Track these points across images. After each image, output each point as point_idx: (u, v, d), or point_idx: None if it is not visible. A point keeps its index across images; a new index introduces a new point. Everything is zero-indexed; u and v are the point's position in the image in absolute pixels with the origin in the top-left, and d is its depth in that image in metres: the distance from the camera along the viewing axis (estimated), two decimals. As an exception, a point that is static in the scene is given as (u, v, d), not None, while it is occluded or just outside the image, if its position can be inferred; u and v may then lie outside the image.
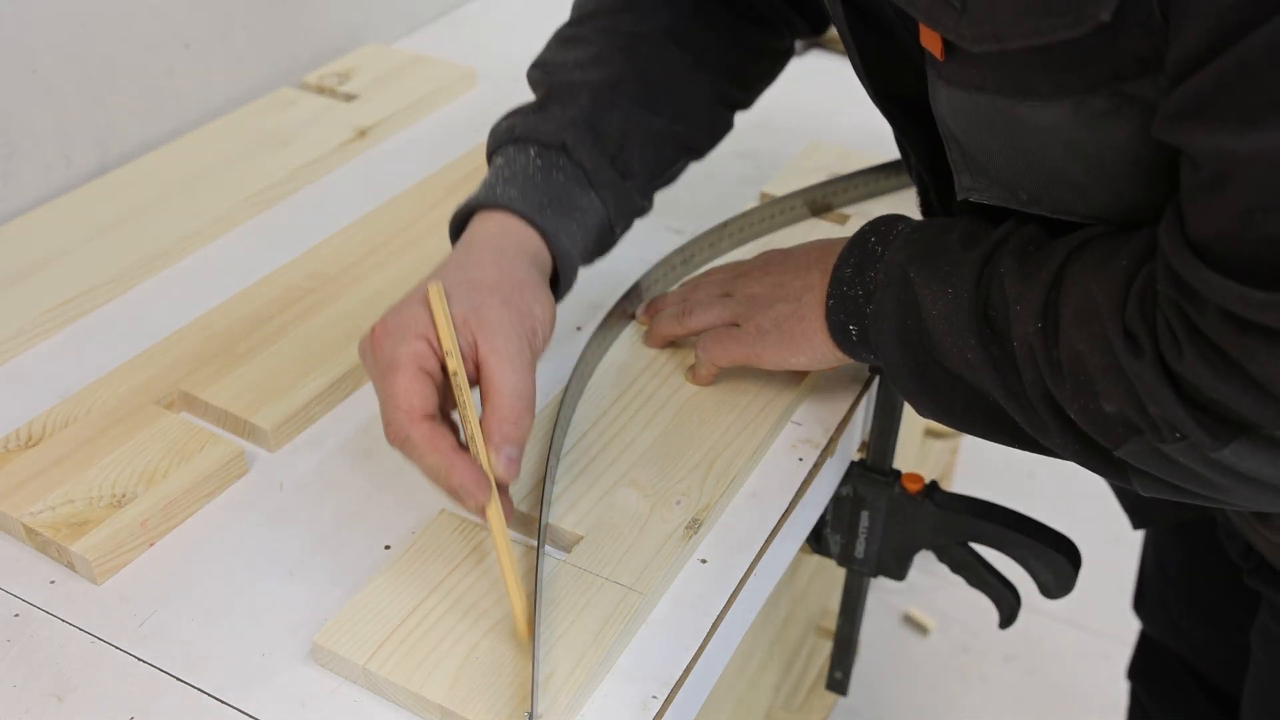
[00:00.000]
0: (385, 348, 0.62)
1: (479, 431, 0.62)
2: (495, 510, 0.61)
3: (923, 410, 0.68)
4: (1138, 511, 0.90)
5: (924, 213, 0.77)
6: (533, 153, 0.72)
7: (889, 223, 0.69)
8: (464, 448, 0.61)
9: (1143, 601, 1.11)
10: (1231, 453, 0.52)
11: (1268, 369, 0.49)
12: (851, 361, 0.72)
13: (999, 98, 0.56)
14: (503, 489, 0.63)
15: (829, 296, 0.69)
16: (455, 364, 0.62)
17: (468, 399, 0.62)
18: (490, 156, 0.75)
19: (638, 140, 0.75)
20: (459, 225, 0.71)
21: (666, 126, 0.78)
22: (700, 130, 0.81)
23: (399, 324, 0.62)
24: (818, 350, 0.71)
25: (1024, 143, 0.58)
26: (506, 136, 0.74)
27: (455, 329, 0.62)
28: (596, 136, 0.73)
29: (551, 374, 0.81)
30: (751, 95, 0.85)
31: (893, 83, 0.70)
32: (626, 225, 0.77)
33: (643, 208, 0.78)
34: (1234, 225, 0.48)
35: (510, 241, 0.68)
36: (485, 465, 0.61)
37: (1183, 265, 0.51)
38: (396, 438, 0.61)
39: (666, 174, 0.80)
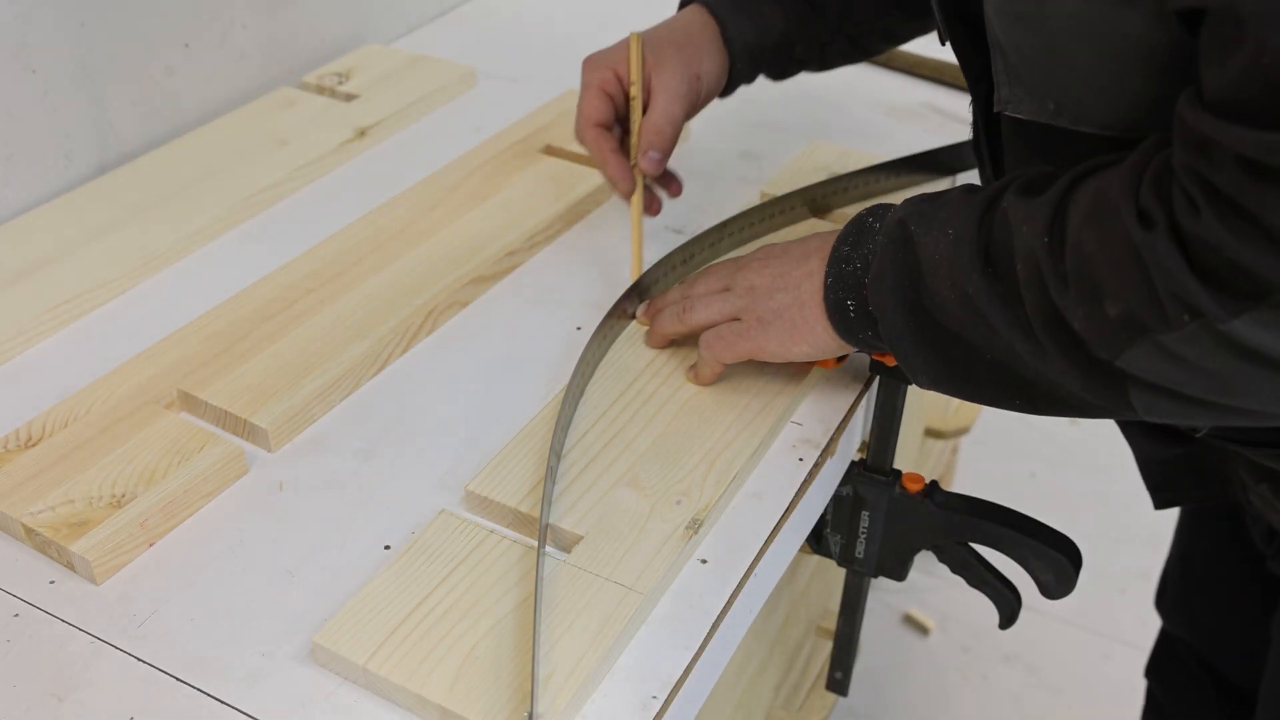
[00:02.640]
0: (586, 72, 0.87)
1: (637, 140, 0.85)
2: (636, 197, 0.87)
3: (921, 377, 0.68)
4: (1160, 491, 0.90)
5: (974, 140, 0.80)
6: None
7: (885, 206, 0.70)
8: (625, 152, 0.86)
9: (1164, 598, 1.11)
10: (1243, 324, 0.52)
11: None
12: (853, 350, 0.72)
13: None
14: (647, 188, 0.88)
15: (827, 275, 0.70)
16: (635, 91, 0.85)
17: (636, 117, 0.86)
18: None
19: None
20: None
21: None
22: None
23: (600, 57, 0.87)
24: (819, 338, 0.72)
25: (1051, 36, 0.61)
26: None
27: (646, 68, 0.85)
28: None
29: (552, 374, 0.81)
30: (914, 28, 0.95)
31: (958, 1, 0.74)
32: (809, 50, 0.91)
33: (821, 38, 0.90)
34: (1251, 72, 0.48)
35: (698, 19, 0.88)
36: (634, 162, 0.86)
37: (1200, 122, 0.51)
38: (578, 136, 0.87)
39: (861, 15, 0.90)
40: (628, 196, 0.87)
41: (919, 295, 0.65)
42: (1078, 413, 0.64)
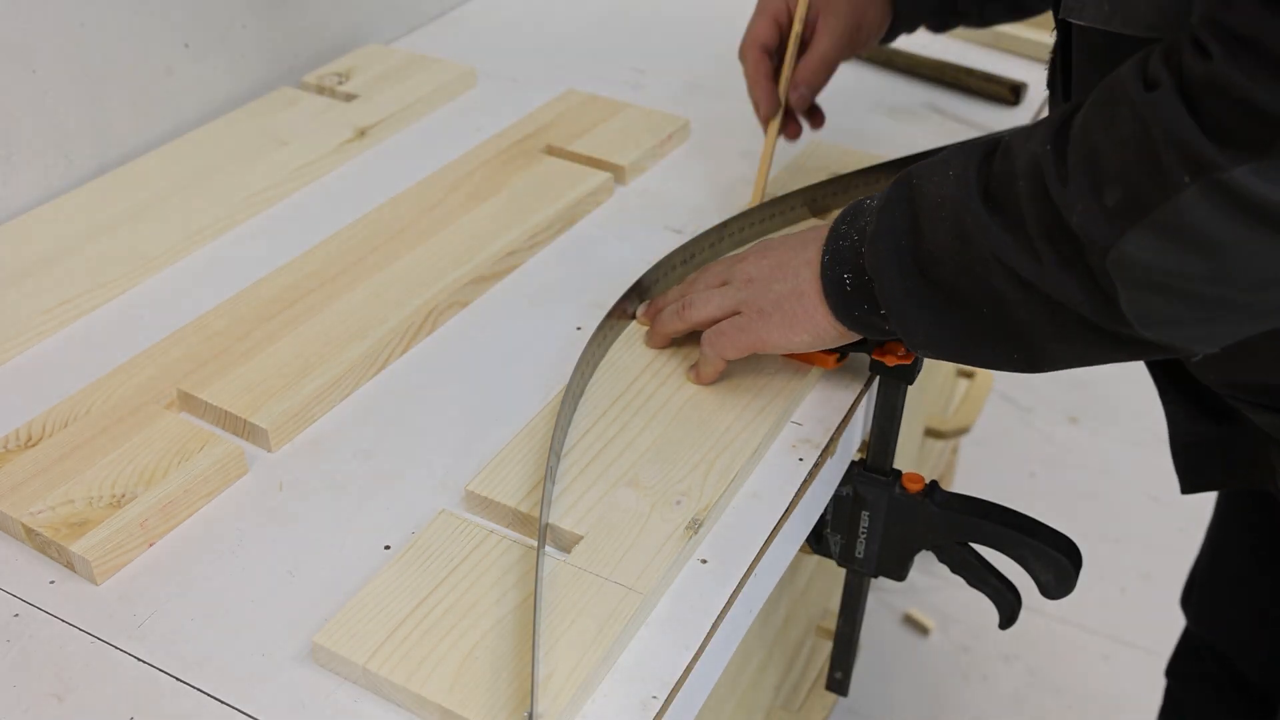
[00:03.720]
0: (761, 1, 0.94)
1: (790, 73, 0.93)
2: (774, 125, 0.95)
3: (918, 338, 0.68)
4: (1190, 475, 0.89)
5: (1050, 68, 0.83)
6: None
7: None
8: (776, 80, 0.94)
9: (1191, 597, 1.10)
10: (1245, 174, 0.51)
11: None
12: (853, 337, 0.72)
13: None
14: (791, 116, 0.96)
15: (824, 254, 0.71)
16: (798, 27, 0.92)
17: (792, 51, 0.93)
18: None
19: None
20: None
21: None
22: None
23: None
24: (819, 325, 0.72)
25: None
26: None
27: (809, 8, 0.92)
28: None
29: (552, 374, 0.81)
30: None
31: None
32: (970, 3, 0.95)
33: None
34: None
35: None
36: (782, 93, 0.93)
37: None
38: (740, 53, 0.95)
39: None
40: (766, 121, 0.95)
41: (916, 252, 0.66)
42: (1077, 358, 0.64)
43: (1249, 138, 0.51)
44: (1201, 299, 0.57)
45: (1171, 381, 0.85)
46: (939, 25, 0.98)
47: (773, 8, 0.92)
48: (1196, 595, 1.09)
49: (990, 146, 0.65)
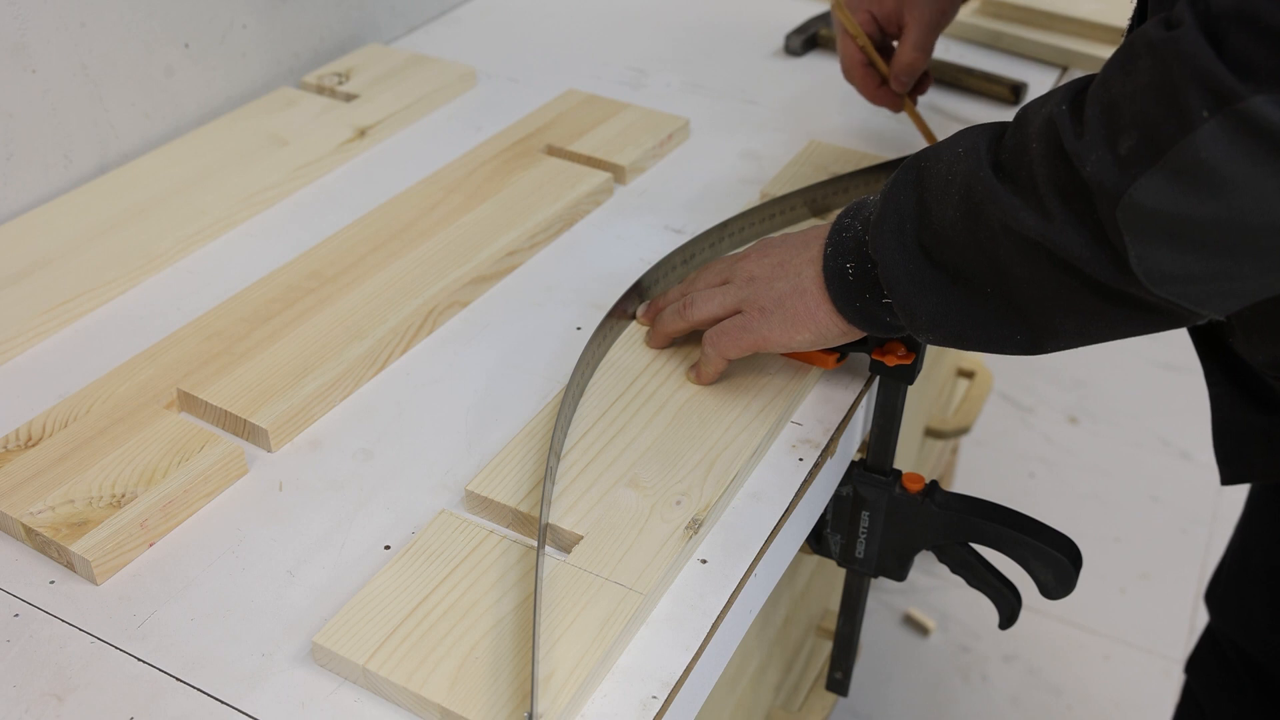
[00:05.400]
0: (835, 24, 1.01)
1: (887, 70, 1.01)
2: (909, 106, 1.03)
3: (920, 320, 0.68)
4: (1230, 464, 0.88)
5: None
6: None
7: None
8: (886, 82, 1.02)
9: (1215, 593, 1.10)
10: (1266, 104, 0.51)
11: None
12: (855, 334, 0.72)
13: None
14: (913, 94, 1.04)
15: (826, 246, 0.71)
16: (863, 42, 1.00)
17: (875, 55, 1.00)
18: None
19: None
20: None
21: None
22: None
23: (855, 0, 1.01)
24: (821, 322, 0.72)
25: None
26: None
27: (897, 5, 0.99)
28: None
29: (551, 374, 0.81)
30: None
31: None
32: None
33: None
34: None
35: None
36: (894, 85, 1.01)
37: None
38: (846, 77, 1.03)
39: None
40: (898, 111, 1.05)
41: (920, 233, 0.66)
42: (1081, 334, 0.64)
43: (1273, 67, 0.51)
44: (1212, 247, 0.56)
45: (1217, 364, 0.84)
46: None
47: (849, 29, 0.99)
48: (1222, 591, 1.08)
49: (1002, 126, 0.65)
